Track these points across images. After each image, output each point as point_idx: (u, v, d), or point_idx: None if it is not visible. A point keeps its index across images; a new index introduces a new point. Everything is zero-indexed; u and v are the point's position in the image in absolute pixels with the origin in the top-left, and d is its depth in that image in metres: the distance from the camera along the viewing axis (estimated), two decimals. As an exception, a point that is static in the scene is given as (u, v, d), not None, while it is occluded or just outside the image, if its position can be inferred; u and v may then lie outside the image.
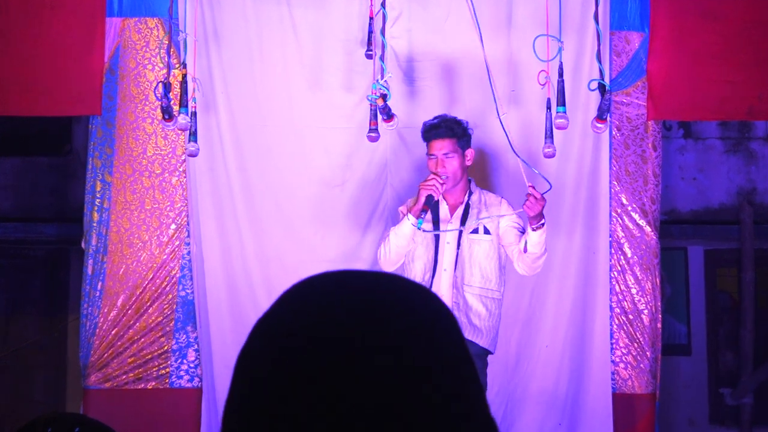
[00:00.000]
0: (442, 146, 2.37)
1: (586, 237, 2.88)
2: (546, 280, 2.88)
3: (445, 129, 2.38)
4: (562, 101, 2.36)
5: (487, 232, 2.39)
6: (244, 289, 2.89)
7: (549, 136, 2.43)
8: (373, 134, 2.55)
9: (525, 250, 2.32)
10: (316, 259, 2.86)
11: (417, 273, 2.40)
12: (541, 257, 2.36)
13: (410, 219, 2.33)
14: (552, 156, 2.45)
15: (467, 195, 2.44)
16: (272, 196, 2.91)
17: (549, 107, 2.46)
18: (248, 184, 2.90)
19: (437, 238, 2.39)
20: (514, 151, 2.41)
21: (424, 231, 2.35)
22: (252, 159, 2.90)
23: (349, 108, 2.89)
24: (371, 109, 2.54)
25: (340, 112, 2.90)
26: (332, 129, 2.89)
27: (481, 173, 2.81)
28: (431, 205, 2.33)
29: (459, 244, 2.38)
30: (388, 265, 2.40)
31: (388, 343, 0.57)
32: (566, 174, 2.87)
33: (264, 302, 2.76)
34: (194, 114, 2.57)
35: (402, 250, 2.38)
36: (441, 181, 2.32)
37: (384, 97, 2.38)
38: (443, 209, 2.44)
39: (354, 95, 2.87)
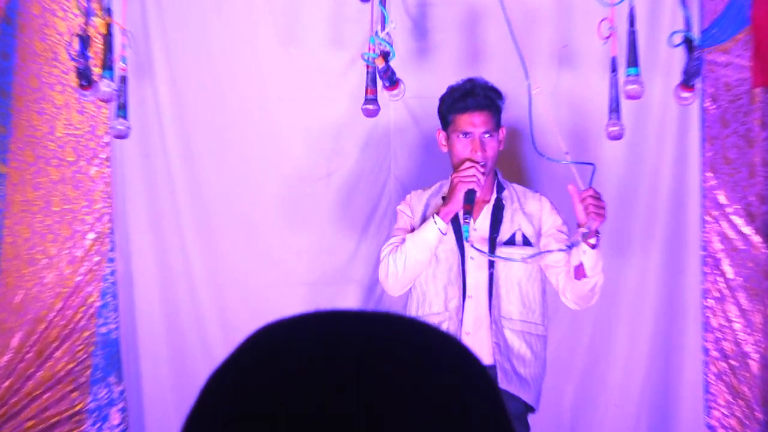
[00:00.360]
0: (481, 121, 2.34)
1: (668, 252, 2.87)
2: (612, 314, 2.86)
3: (484, 97, 2.36)
4: (633, 61, 2.30)
5: (527, 242, 2.37)
6: (189, 324, 2.89)
7: (615, 109, 2.35)
8: (370, 107, 2.52)
9: (577, 276, 2.28)
10: (289, 282, 2.87)
11: (433, 301, 2.36)
12: (598, 284, 2.34)
13: (438, 223, 2.30)
14: (619, 137, 2.35)
15: (495, 190, 2.43)
16: (230, 195, 2.91)
17: (615, 69, 2.38)
18: (197, 177, 2.90)
19: (460, 252, 2.36)
20: (534, 144, 2.34)
21: (476, 249, 2.28)
22: (203, 143, 2.90)
23: (337, 71, 2.89)
24: (368, 73, 2.51)
25: (325, 77, 2.90)
26: (314, 100, 2.90)
27: (510, 165, 2.79)
28: (473, 203, 2.30)
29: (492, 263, 2.35)
30: (397, 287, 2.38)
31: (400, 422, 0.56)
32: (639, 163, 2.86)
33: (218, 344, 2.92)
34: (123, 80, 2.52)
35: (421, 268, 2.36)
36: (482, 170, 2.30)
37: (386, 55, 2.35)
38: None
39: (344, 53, 2.87)
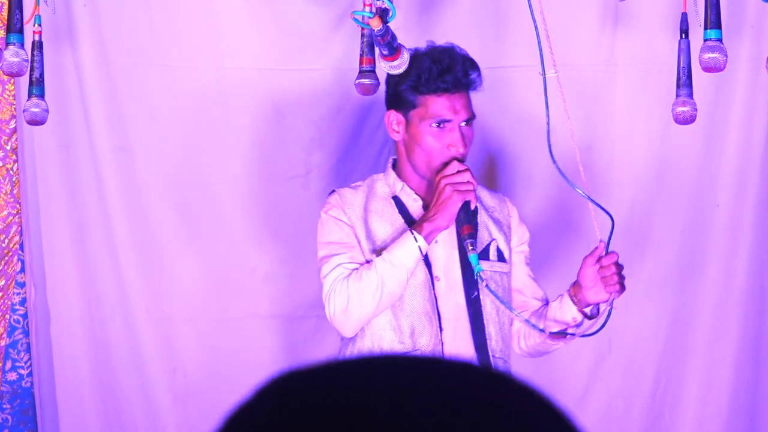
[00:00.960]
0: (462, 105, 2.34)
1: (756, 270, 2.86)
2: (682, 353, 2.88)
3: (464, 74, 2.37)
4: (714, 21, 2.33)
5: (501, 257, 2.41)
6: (125, 369, 2.85)
7: (685, 83, 2.41)
8: (366, 81, 2.52)
9: (553, 338, 2.33)
10: (255, 313, 2.87)
11: (390, 335, 2.37)
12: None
13: (419, 241, 2.31)
14: (691, 120, 2.41)
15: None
16: (177, 199, 2.89)
17: (685, 30, 2.40)
18: (133, 175, 2.87)
19: (428, 270, 2.37)
20: (550, 154, 2.39)
21: (493, 293, 2.33)
22: (141, 130, 2.86)
23: (319, 35, 2.87)
24: (362, 37, 2.52)
25: (302, 41, 2.87)
26: (289, 72, 2.88)
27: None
28: (473, 221, 2.33)
29: (467, 278, 2.37)
30: (356, 326, 2.37)
31: None
32: (718, 155, 2.86)
33: (164, 394, 2.90)
34: (38, 46, 2.52)
35: (395, 299, 2.36)
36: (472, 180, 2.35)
37: (383, 14, 2.32)
38: (418, 216, 2.41)
39: (328, 12, 2.85)
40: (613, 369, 2.92)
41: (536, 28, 2.34)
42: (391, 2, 2.33)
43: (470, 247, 2.28)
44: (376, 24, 2.30)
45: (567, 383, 2.84)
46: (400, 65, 2.40)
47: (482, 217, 2.43)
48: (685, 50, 2.38)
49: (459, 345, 2.35)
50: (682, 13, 2.39)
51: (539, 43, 2.32)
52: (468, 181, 2.31)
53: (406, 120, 2.39)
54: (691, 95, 2.37)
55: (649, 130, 2.86)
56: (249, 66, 2.88)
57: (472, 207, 2.34)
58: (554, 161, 2.36)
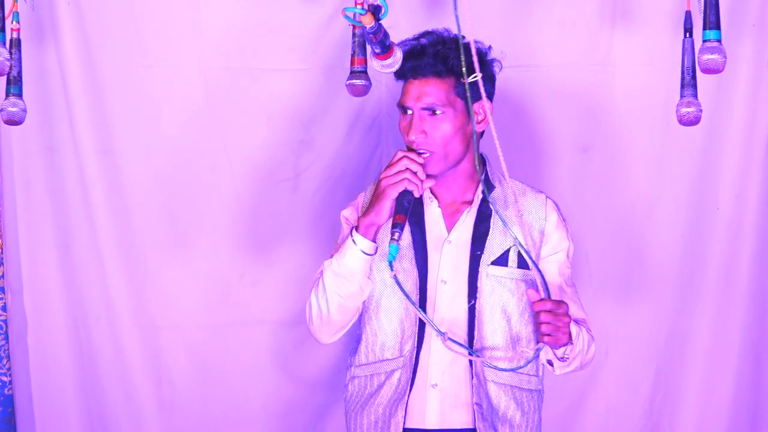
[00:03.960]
0: (421, 92, 2.29)
1: (757, 285, 2.84)
2: (679, 372, 2.89)
3: (434, 57, 2.31)
4: (713, 21, 2.32)
5: (523, 264, 2.33)
6: (111, 379, 2.85)
7: (690, 84, 2.39)
8: (358, 82, 2.54)
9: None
10: (243, 320, 2.87)
11: (387, 342, 2.34)
12: (580, 369, 2.37)
13: (358, 242, 2.25)
14: (695, 121, 2.39)
15: (481, 188, 2.36)
16: (163, 202, 2.88)
17: (689, 30, 2.39)
18: (118, 178, 2.86)
19: (421, 274, 2.33)
20: (477, 159, 2.33)
21: (397, 282, 2.24)
22: (125, 131, 2.85)
23: (308, 33, 2.86)
24: (353, 36, 2.54)
25: (292, 40, 2.86)
26: (276, 72, 2.88)
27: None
28: (408, 212, 2.24)
29: (472, 283, 2.32)
30: (328, 333, 2.37)
31: None
32: (718, 159, 2.84)
33: (150, 404, 2.90)
34: (17, 44, 2.50)
35: (349, 303, 2.32)
36: (420, 161, 2.25)
37: (376, 11, 2.26)
38: (432, 216, 2.36)
39: (316, 7, 2.84)
40: (611, 376, 2.91)
41: (458, 24, 2.28)
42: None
43: (394, 236, 2.20)
44: (368, 21, 2.23)
45: (564, 390, 2.83)
46: (392, 64, 2.35)
47: (510, 219, 2.34)
48: (689, 50, 2.35)
49: (441, 353, 2.29)
50: (686, 12, 2.37)
51: (462, 46, 2.26)
52: (404, 169, 2.24)
53: None
54: (695, 95, 2.36)
55: (648, 131, 2.85)
56: (236, 66, 2.86)
57: (417, 194, 2.25)
58: (488, 198, 2.30)
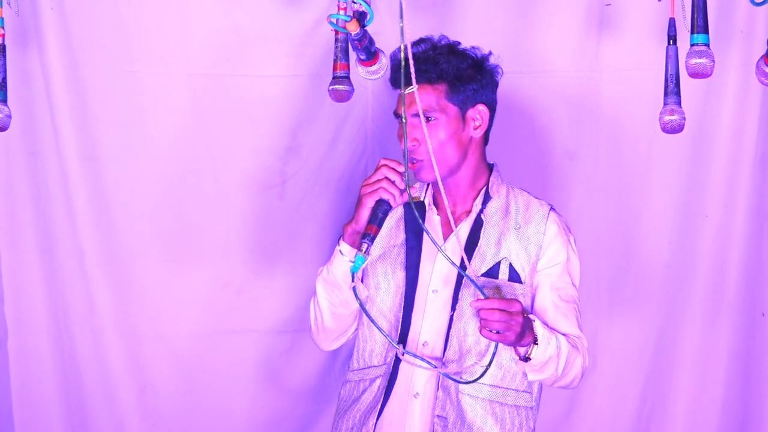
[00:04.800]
0: (412, 99, 2.25)
1: (745, 291, 2.85)
2: (667, 381, 2.89)
3: (425, 63, 2.32)
4: (701, 25, 2.32)
5: (515, 277, 2.31)
6: (93, 387, 2.85)
7: (673, 91, 2.39)
8: (339, 87, 2.54)
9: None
10: (229, 329, 2.87)
11: (375, 349, 2.35)
12: (561, 380, 2.30)
13: (344, 250, 2.30)
14: (679, 129, 2.38)
15: (483, 196, 2.37)
16: (147, 210, 2.88)
17: (672, 36, 2.39)
18: (102, 184, 2.86)
19: (411, 282, 2.34)
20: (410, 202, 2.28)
21: (355, 293, 2.25)
22: (109, 137, 2.84)
23: (294, 39, 2.87)
24: (337, 42, 2.53)
25: (277, 46, 2.87)
26: (262, 78, 2.88)
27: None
28: (381, 223, 2.26)
29: (456, 298, 2.31)
30: (327, 341, 2.42)
31: None
32: (705, 166, 2.84)
33: (132, 414, 2.90)
34: (1, 50, 2.51)
35: (341, 310, 2.36)
36: (401, 170, 2.26)
37: (361, 17, 2.32)
38: (432, 224, 2.38)
39: (303, 13, 2.85)
40: (599, 386, 2.92)
41: (402, 35, 2.27)
42: (369, 5, 2.33)
43: (362, 248, 2.22)
44: (353, 28, 2.29)
45: (551, 401, 2.79)
46: (378, 70, 2.43)
47: (495, 231, 2.34)
48: (672, 57, 2.35)
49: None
50: (670, 19, 2.36)
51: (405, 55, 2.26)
52: (382, 179, 2.25)
53: None
54: (679, 103, 2.35)
55: (635, 138, 2.85)
56: (222, 72, 2.86)
57: (395, 205, 2.26)
58: (417, 217, 2.25)
